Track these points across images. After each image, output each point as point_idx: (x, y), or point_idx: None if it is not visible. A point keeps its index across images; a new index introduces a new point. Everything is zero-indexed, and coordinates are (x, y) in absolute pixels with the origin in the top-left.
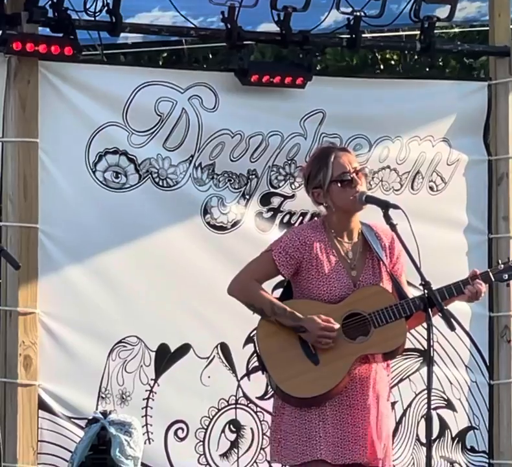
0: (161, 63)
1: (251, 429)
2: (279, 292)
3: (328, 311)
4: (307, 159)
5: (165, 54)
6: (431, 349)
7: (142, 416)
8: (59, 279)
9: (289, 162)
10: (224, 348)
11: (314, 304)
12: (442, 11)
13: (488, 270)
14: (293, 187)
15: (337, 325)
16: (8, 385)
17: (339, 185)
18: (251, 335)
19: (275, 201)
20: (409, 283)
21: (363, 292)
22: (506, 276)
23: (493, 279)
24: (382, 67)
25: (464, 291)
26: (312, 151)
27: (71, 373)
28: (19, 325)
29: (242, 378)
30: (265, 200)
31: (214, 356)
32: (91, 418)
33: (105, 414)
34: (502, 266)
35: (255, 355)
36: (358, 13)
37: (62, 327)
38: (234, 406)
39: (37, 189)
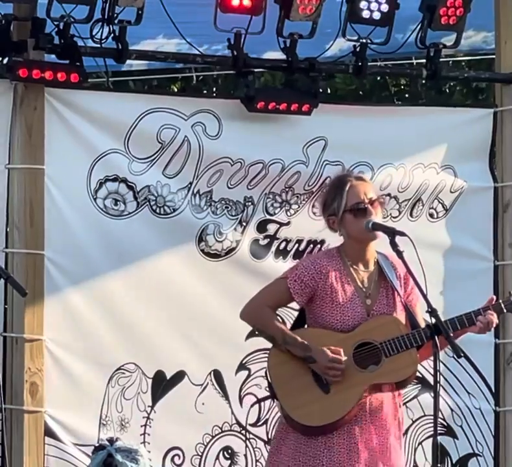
0: (176, 89)
1: (245, 455)
2: None
3: (340, 340)
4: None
5: (179, 79)
6: (438, 374)
7: (141, 443)
8: (64, 306)
9: (286, 189)
10: (217, 375)
11: (326, 333)
12: (449, 40)
13: (500, 301)
14: (288, 214)
15: (344, 358)
16: (14, 412)
17: (352, 215)
18: (243, 362)
19: (271, 228)
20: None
21: (376, 322)
22: None
23: (505, 310)
24: (392, 90)
25: (475, 322)
26: (329, 179)
27: (75, 400)
28: (25, 351)
29: (234, 405)
30: (261, 227)
31: (207, 383)
32: (97, 445)
33: (111, 441)
34: None
35: (266, 383)
36: (364, 40)
37: (66, 354)
38: (227, 433)
39: (43, 216)
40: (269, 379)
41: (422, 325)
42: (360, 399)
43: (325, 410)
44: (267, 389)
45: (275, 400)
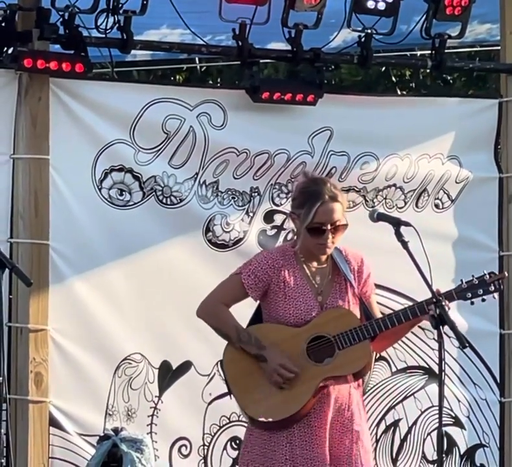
0: (180, 79)
1: None
2: None
3: (294, 334)
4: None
5: (184, 70)
6: (443, 362)
7: (148, 433)
8: (69, 296)
9: (292, 180)
10: None
11: (280, 328)
12: (453, 32)
13: (452, 289)
14: None
15: (295, 369)
16: (19, 402)
17: (310, 232)
18: None
19: (278, 218)
20: (410, 298)
21: (329, 315)
22: (469, 295)
23: (456, 298)
24: (395, 81)
25: (428, 311)
26: (309, 177)
27: (80, 390)
28: (29, 342)
29: None
30: (268, 217)
31: (214, 373)
32: (102, 434)
33: (116, 431)
34: (465, 285)
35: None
36: (369, 31)
37: (72, 344)
38: (235, 423)
39: (48, 206)
40: (224, 375)
41: (378, 316)
42: (316, 393)
43: (279, 406)
44: (225, 386)
45: (231, 397)
